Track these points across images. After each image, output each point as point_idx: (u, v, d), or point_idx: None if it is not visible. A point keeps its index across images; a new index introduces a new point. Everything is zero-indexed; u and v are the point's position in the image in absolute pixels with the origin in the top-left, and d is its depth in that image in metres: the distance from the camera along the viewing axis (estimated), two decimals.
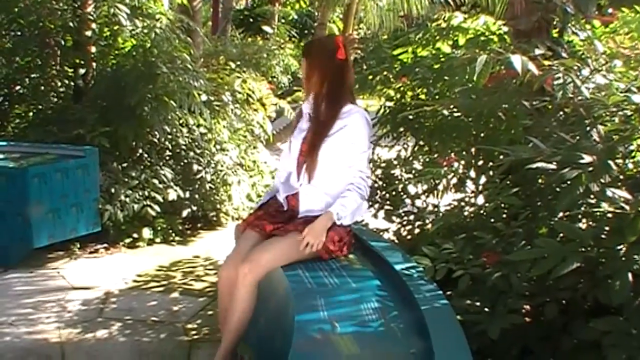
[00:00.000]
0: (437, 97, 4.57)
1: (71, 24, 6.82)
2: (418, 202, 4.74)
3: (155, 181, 6.42)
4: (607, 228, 2.97)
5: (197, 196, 6.79)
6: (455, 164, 4.35)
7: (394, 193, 4.82)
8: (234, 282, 3.37)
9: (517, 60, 3.18)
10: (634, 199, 2.76)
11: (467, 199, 4.24)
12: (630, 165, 3.42)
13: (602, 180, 2.78)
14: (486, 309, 3.19)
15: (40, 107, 7.25)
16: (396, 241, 4.43)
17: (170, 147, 6.85)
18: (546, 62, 3.36)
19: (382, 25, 11.92)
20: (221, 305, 3.58)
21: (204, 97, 6.80)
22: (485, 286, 3.22)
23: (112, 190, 6.14)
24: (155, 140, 6.67)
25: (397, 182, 4.82)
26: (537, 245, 2.90)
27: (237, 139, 7.48)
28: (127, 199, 6.15)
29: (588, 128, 3.24)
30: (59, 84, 7.16)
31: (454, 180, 4.39)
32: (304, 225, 3.41)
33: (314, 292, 3.15)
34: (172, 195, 6.41)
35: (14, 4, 6.86)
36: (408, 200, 4.78)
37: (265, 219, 3.61)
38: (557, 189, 3.36)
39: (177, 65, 6.65)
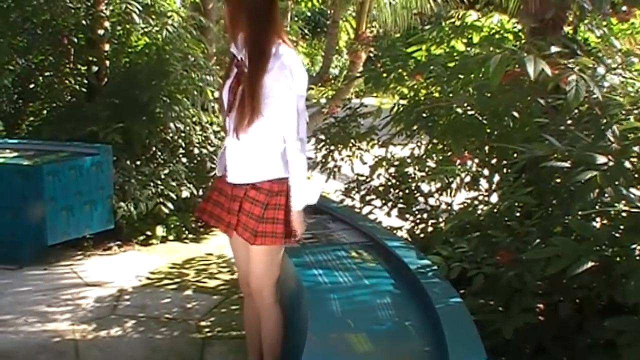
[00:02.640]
0: (451, 95, 4.55)
1: (84, 22, 6.84)
2: (431, 201, 4.72)
3: (169, 179, 6.43)
4: (622, 227, 2.95)
5: None
6: (469, 162, 4.33)
7: (407, 191, 4.81)
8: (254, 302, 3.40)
9: (530, 63, 3.16)
10: None
11: (480, 198, 4.22)
12: None
13: (617, 182, 2.77)
14: (500, 308, 3.18)
15: (54, 105, 7.30)
16: (409, 239, 4.42)
17: (183, 145, 6.85)
18: (561, 61, 3.34)
19: (396, 23, 11.88)
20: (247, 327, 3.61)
21: (217, 95, 6.80)
22: (499, 285, 3.21)
23: (126, 188, 6.17)
24: (169, 137, 6.68)
25: (410, 180, 4.81)
26: (552, 244, 2.88)
27: None
28: (141, 197, 6.16)
29: (603, 127, 3.22)
30: (73, 81, 7.19)
31: (468, 179, 4.37)
32: (252, 209, 3.16)
33: (328, 290, 3.15)
34: (185, 192, 6.43)
35: (28, 3, 6.88)
36: (421, 199, 4.76)
37: (217, 201, 3.33)
38: (572, 188, 3.35)
39: (190, 62, 6.66)
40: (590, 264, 2.71)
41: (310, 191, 3.16)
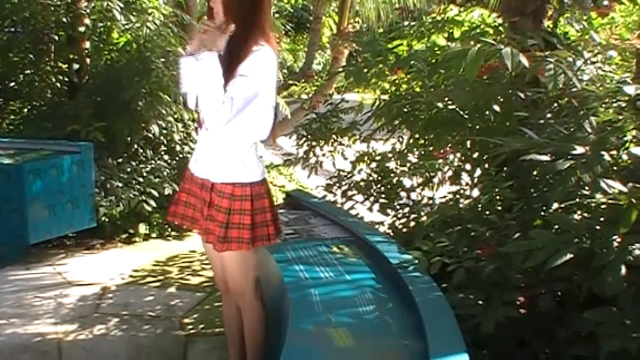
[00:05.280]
0: (432, 90, 4.56)
1: (65, 19, 6.81)
2: (413, 195, 4.74)
3: (151, 176, 6.42)
4: (601, 219, 2.97)
5: None
6: (451, 157, 4.34)
7: (388, 186, 4.82)
8: (232, 301, 3.40)
9: (507, 54, 3.17)
10: (627, 190, 2.76)
11: (462, 192, 4.23)
12: (625, 157, 3.42)
13: (594, 171, 2.78)
14: (481, 302, 3.19)
15: (35, 103, 7.25)
16: (391, 234, 4.43)
17: (165, 142, 6.84)
18: (539, 54, 3.36)
19: (379, 19, 11.88)
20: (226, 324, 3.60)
21: None
22: (480, 279, 3.22)
23: (108, 186, 6.16)
24: (150, 135, 6.66)
25: (392, 175, 4.82)
26: (531, 236, 2.89)
27: None
28: (123, 194, 6.15)
29: (581, 120, 3.23)
30: (54, 79, 7.15)
31: (449, 173, 4.39)
32: (215, 215, 3.13)
33: (309, 285, 3.15)
34: (167, 190, 6.41)
35: (7, 1, 6.85)
36: (403, 193, 4.78)
37: (188, 202, 3.31)
38: (551, 181, 3.36)
39: (172, 59, 6.64)
40: (569, 256, 2.72)
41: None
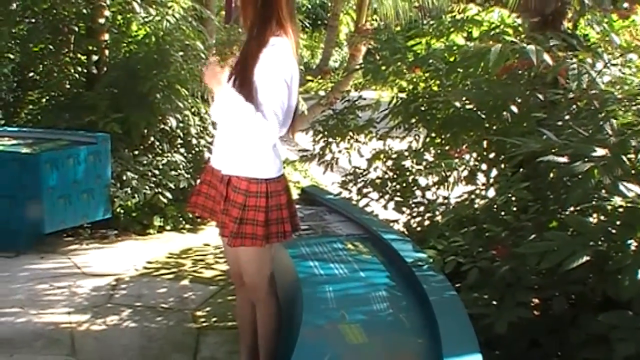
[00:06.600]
0: (449, 89, 4.55)
1: (85, 11, 6.84)
2: (428, 194, 4.72)
3: (167, 169, 6.44)
4: (618, 222, 2.95)
5: None
6: (467, 156, 4.33)
7: (404, 184, 4.81)
8: (245, 294, 3.40)
9: (532, 50, 3.16)
10: None
11: (477, 192, 4.22)
12: None
13: (614, 174, 2.76)
14: (494, 302, 3.18)
15: (53, 93, 7.29)
16: (406, 232, 4.42)
17: (181, 135, 6.85)
18: (560, 54, 3.35)
19: (397, 17, 11.86)
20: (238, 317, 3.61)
21: None
22: (494, 279, 3.21)
23: (124, 177, 6.18)
24: (167, 127, 6.67)
25: (407, 173, 4.81)
26: (547, 238, 2.88)
27: None
28: (139, 186, 6.17)
29: (601, 122, 3.21)
30: (72, 70, 7.18)
31: (465, 173, 4.37)
32: (230, 210, 3.11)
33: (323, 282, 3.16)
34: (183, 183, 6.43)
35: None
36: (418, 192, 4.76)
37: (208, 194, 3.32)
38: (569, 183, 3.35)
39: (190, 53, 6.65)
40: (585, 259, 2.71)
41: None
